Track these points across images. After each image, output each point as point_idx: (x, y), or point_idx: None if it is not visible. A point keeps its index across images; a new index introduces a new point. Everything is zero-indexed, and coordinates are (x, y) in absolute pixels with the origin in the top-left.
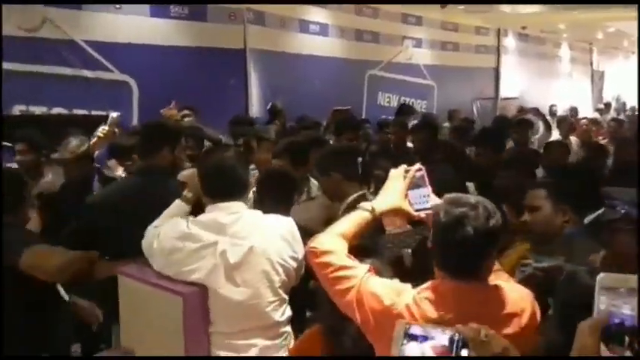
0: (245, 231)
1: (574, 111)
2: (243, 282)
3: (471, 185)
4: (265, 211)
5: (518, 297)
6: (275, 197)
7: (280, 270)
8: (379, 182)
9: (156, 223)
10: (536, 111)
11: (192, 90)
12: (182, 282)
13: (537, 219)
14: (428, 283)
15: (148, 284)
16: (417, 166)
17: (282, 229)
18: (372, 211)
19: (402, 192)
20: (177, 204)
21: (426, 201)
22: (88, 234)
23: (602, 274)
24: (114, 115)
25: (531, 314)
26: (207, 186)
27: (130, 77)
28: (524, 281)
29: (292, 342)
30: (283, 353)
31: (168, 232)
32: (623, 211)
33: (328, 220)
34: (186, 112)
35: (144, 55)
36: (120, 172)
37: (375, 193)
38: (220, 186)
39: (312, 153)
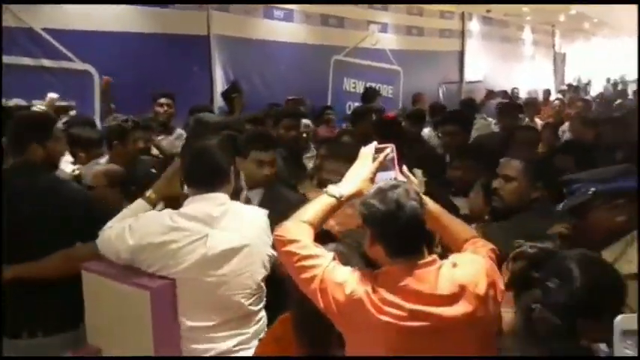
0: (234, 223)
1: (547, 93)
2: (231, 274)
3: (418, 172)
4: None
5: (472, 270)
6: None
7: (266, 263)
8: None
9: (110, 223)
10: (505, 94)
11: (156, 77)
12: (149, 276)
13: (509, 189)
14: (379, 270)
15: (114, 280)
16: (390, 146)
17: (262, 221)
18: (339, 197)
19: (369, 175)
20: (140, 203)
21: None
22: None
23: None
24: (53, 95)
25: (488, 287)
26: (192, 176)
27: (91, 66)
28: (515, 256)
29: (266, 327)
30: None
31: (151, 226)
32: (593, 190)
33: None
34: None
35: (105, 43)
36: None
37: None
38: (205, 176)
39: None
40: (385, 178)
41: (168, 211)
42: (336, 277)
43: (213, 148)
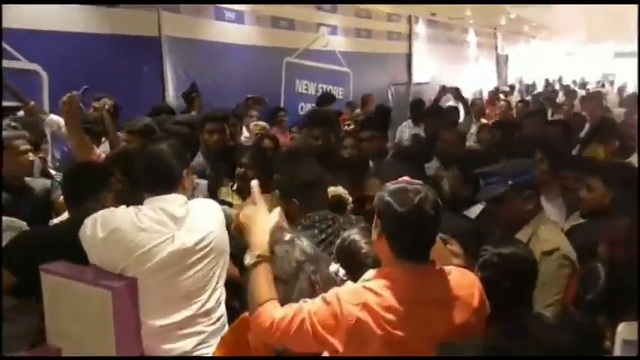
0: (197, 222)
1: (493, 93)
2: (196, 272)
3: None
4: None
5: (466, 281)
6: None
7: (227, 258)
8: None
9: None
10: (457, 92)
11: (106, 78)
12: (109, 276)
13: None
14: (375, 272)
15: (75, 280)
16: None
17: (220, 215)
18: (264, 257)
19: (274, 224)
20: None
21: None
22: None
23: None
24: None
25: (480, 299)
26: (147, 180)
27: (39, 66)
28: (481, 266)
29: (226, 325)
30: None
31: (124, 223)
32: (510, 183)
33: None
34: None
35: (53, 42)
36: None
37: None
38: (160, 179)
39: None
40: None
41: (134, 209)
42: (323, 313)
43: (166, 152)
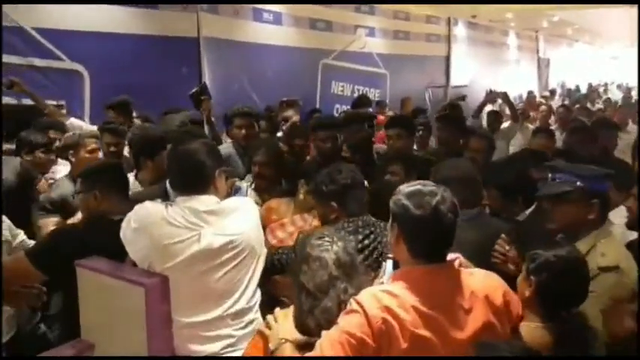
0: (227, 223)
1: (534, 97)
2: (225, 273)
3: None
4: None
5: (489, 282)
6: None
7: (262, 259)
8: None
9: None
10: (505, 96)
11: (145, 79)
12: (143, 272)
13: None
14: (393, 274)
15: (108, 276)
16: None
17: (254, 217)
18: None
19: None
20: None
21: None
22: None
23: None
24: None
25: (504, 301)
26: (177, 179)
27: (81, 66)
28: (536, 270)
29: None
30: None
31: (153, 216)
32: (578, 184)
33: None
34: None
35: (95, 43)
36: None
37: None
38: (190, 179)
39: None
40: None
41: (165, 205)
42: (350, 322)
43: (197, 151)
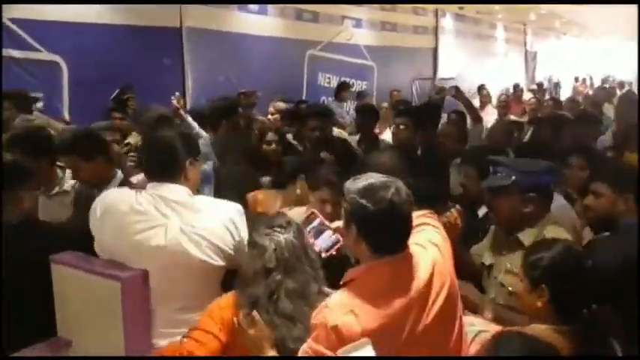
0: (196, 216)
1: (521, 90)
2: (180, 260)
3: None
4: None
5: (435, 249)
6: None
7: (218, 254)
8: None
9: None
10: (456, 89)
11: (127, 70)
12: (119, 266)
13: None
14: (355, 272)
15: (84, 271)
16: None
17: (224, 216)
18: None
19: None
20: None
21: (334, 239)
22: None
23: None
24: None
25: (444, 247)
26: (147, 165)
27: (59, 57)
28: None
29: None
30: None
31: (119, 202)
32: (513, 178)
33: None
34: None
35: (74, 33)
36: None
37: None
38: (158, 166)
39: None
40: (325, 238)
41: (135, 192)
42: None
43: (169, 138)
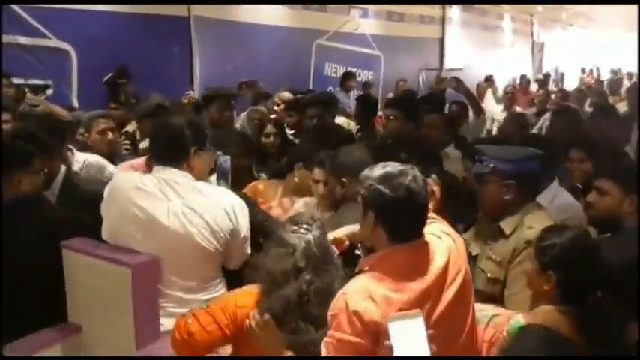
0: (199, 199)
1: (527, 81)
2: (184, 244)
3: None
4: None
5: (449, 238)
6: None
7: (212, 238)
8: None
9: None
10: (457, 80)
11: (135, 58)
12: (129, 252)
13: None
14: (373, 258)
15: (95, 257)
16: None
17: (225, 203)
18: None
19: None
20: None
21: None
22: None
23: None
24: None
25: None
26: (153, 148)
27: (68, 45)
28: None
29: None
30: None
31: (124, 183)
32: (491, 166)
33: None
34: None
35: (83, 21)
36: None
37: None
38: (163, 149)
39: None
40: None
41: (140, 175)
42: (342, 323)
43: (177, 124)
